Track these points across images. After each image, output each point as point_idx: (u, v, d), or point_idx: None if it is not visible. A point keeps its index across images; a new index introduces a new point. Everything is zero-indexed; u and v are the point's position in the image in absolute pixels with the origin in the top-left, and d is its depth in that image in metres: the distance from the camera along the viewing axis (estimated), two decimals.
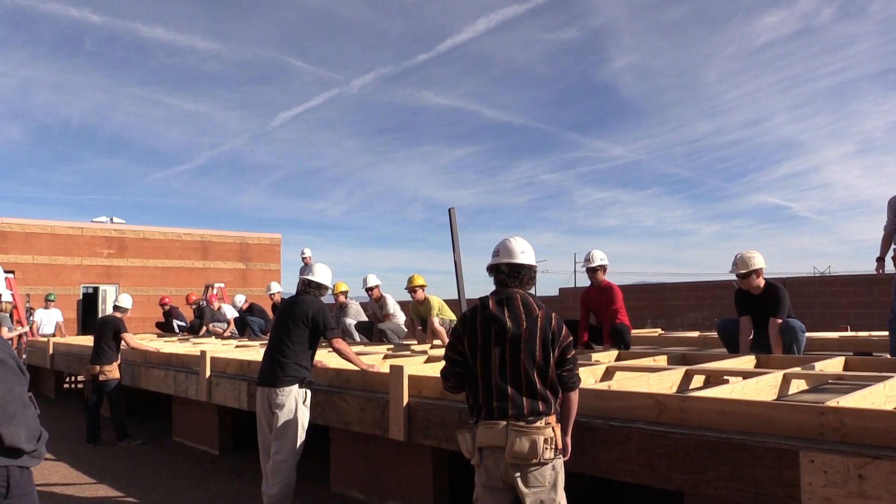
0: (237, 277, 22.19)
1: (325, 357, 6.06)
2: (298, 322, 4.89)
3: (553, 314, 3.14)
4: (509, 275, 3.21)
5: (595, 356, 6.18)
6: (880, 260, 6.57)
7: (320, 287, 5.23)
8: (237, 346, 9.44)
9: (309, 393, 4.93)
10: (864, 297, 11.30)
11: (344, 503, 5.42)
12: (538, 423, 2.97)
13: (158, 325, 15.22)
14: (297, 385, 4.81)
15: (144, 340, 10.92)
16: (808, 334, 8.59)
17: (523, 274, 3.22)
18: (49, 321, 14.08)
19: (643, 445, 3.45)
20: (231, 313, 12.73)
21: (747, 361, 5.56)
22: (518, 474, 2.96)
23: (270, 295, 11.68)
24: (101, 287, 20.56)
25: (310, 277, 5.20)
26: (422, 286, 9.03)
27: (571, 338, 3.17)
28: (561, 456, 3.08)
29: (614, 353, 6.48)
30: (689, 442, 3.28)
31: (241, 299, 12.70)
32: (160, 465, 6.93)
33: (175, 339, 12.23)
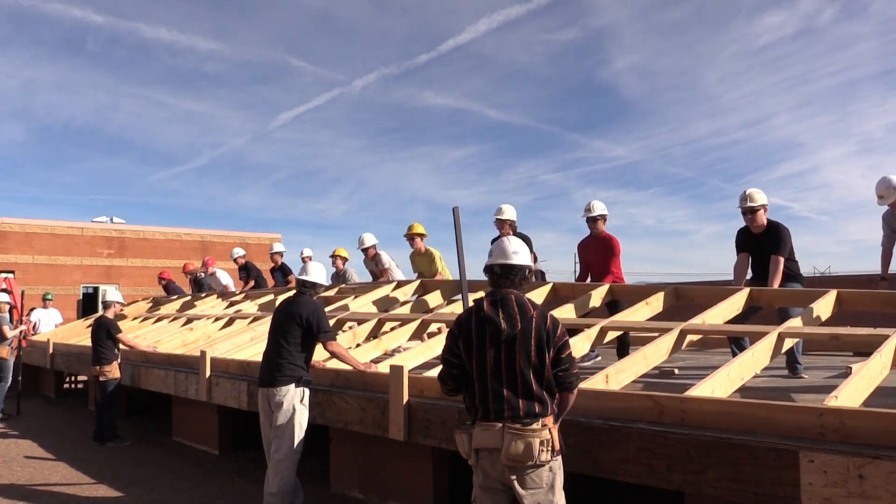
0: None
1: (325, 355, 6.05)
2: (293, 323, 4.91)
3: (549, 314, 3.12)
4: (501, 275, 3.21)
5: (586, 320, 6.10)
6: (883, 280, 6.38)
7: (315, 286, 5.25)
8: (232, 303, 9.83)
9: (307, 392, 4.94)
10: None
11: (344, 503, 5.41)
12: (534, 426, 2.96)
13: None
14: (293, 384, 4.83)
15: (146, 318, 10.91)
16: None
17: (515, 274, 3.20)
18: (47, 321, 13.99)
19: (643, 445, 3.44)
20: (226, 279, 12.80)
21: (740, 298, 5.59)
22: (514, 476, 2.96)
23: (272, 255, 11.74)
24: (101, 287, 20.54)
25: (304, 277, 5.22)
26: (421, 235, 8.59)
27: (567, 337, 3.14)
28: (559, 457, 3.06)
29: (604, 288, 6.44)
30: (689, 442, 3.28)
31: (239, 252, 12.77)
32: (160, 464, 6.93)
33: (176, 300, 12.74)
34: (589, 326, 5.51)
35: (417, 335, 6.83)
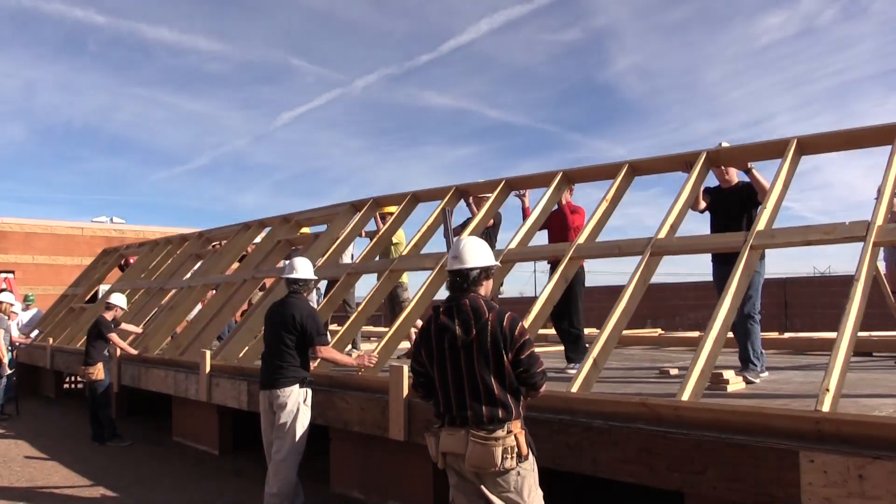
0: None
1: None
2: (288, 326, 4.92)
3: (506, 315, 3.06)
4: (451, 282, 3.23)
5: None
6: None
7: (307, 282, 5.25)
8: None
9: (310, 393, 4.96)
10: None
11: (344, 503, 5.42)
12: (498, 433, 2.94)
13: None
14: (297, 385, 4.86)
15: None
16: (808, 335, 8.61)
17: (463, 278, 3.18)
18: (30, 323, 13.73)
19: (643, 445, 3.45)
20: None
21: (698, 164, 5.23)
22: (481, 483, 2.98)
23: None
24: (102, 287, 20.54)
25: (293, 276, 5.17)
26: (391, 213, 8.01)
27: (528, 336, 3.09)
28: (528, 460, 3.02)
29: (558, 175, 6.21)
30: (689, 442, 3.28)
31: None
32: (160, 464, 6.93)
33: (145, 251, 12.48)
34: (557, 261, 5.29)
35: (387, 285, 6.69)
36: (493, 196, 6.65)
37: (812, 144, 4.98)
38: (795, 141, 4.91)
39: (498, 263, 3.50)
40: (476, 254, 3.22)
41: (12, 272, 17.33)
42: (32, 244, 19.42)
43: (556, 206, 6.36)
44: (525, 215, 6.44)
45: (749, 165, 5.12)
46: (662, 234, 4.89)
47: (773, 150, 5.08)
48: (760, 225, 4.48)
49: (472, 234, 6.31)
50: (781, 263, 31.64)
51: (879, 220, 4.05)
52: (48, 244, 19.67)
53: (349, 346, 6.91)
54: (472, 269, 3.18)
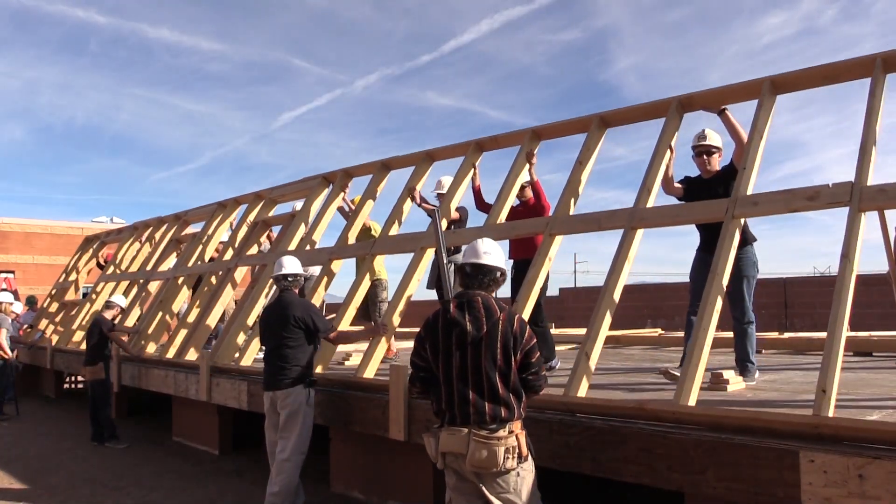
0: None
1: (325, 353, 6.05)
2: (289, 325, 4.95)
3: (516, 316, 3.10)
4: (471, 275, 3.22)
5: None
6: None
7: (296, 277, 5.29)
8: None
9: (313, 392, 4.99)
10: (864, 297, 11.30)
11: (344, 503, 5.42)
12: (500, 433, 2.96)
13: None
14: (301, 385, 4.89)
15: None
16: (808, 335, 8.59)
17: (484, 275, 3.20)
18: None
19: (643, 445, 3.45)
20: None
21: (671, 114, 5.06)
22: (481, 483, 2.98)
23: None
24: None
25: (284, 272, 5.20)
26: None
27: (535, 340, 3.12)
28: (528, 461, 3.04)
29: (528, 133, 6.01)
30: (689, 442, 3.28)
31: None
32: (160, 464, 6.93)
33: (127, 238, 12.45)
34: (521, 261, 5.18)
35: (368, 264, 6.49)
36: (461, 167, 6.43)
37: (788, 82, 4.70)
38: (770, 80, 4.67)
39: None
40: (501, 256, 3.30)
41: (12, 272, 17.35)
42: (32, 244, 19.43)
43: (517, 202, 6.21)
44: (475, 190, 6.42)
45: (722, 107, 4.89)
46: (643, 200, 4.71)
47: (747, 91, 4.83)
48: (742, 189, 4.26)
49: (443, 213, 6.15)
50: (781, 263, 31.80)
51: (866, 180, 3.68)
52: (48, 244, 19.68)
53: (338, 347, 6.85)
54: (496, 268, 3.24)
